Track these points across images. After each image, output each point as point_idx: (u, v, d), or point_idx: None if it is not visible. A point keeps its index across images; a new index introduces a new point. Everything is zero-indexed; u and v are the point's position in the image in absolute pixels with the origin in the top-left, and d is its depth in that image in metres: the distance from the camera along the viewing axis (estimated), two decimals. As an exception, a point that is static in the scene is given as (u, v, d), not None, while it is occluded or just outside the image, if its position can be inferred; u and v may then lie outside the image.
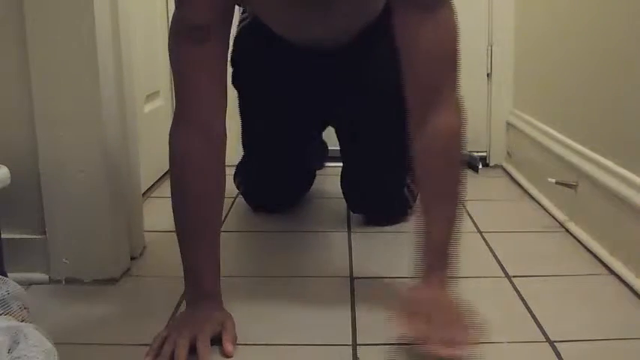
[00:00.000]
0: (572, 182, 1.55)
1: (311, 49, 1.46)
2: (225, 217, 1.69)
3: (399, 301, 1.05)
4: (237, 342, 1.06)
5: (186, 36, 1.05)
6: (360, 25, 1.42)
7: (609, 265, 1.33)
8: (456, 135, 1.07)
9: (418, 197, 1.16)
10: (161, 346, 1.00)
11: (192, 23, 1.04)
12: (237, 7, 1.50)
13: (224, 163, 1.11)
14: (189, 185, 1.08)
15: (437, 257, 1.07)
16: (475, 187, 1.88)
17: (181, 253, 1.10)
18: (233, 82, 1.60)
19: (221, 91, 1.09)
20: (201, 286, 1.09)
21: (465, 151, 1.10)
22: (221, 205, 1.13)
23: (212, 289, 1.10)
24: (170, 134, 1.09)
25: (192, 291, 1.10)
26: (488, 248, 1.45)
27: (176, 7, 1.07)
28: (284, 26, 1.39)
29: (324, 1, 1.22)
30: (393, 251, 1.47)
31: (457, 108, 1.08)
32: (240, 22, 1.60)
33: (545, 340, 1.05)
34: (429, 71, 1.05)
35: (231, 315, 1.08)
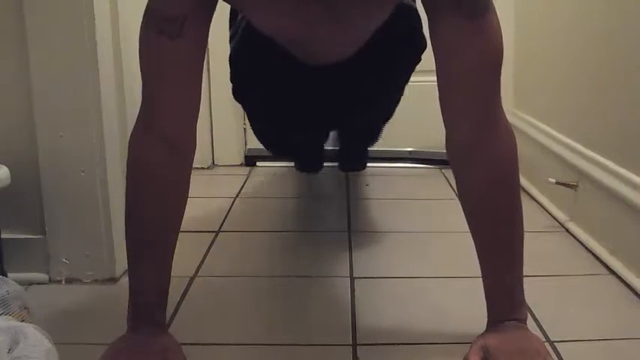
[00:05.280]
0: (572, 182, 1.55)
1: (313, 63, 1.33)
2: (225, 217, 1.69)
3: (481, 351, 0.98)
4: (237, 342, 1.06)
5: (157, 29, 0.92)
6: (367, 37, 1.27)
7: (609, 265, 1.33)
8: (515, 159, 0.99)
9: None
10: None
11: (165, 14, 0.91)
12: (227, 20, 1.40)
13: (188, 178, 1.01)
14: (144, 203, 0.98)
15: (514, 297, 1.01)
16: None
17: (128, 269, 1.02)
18: (234, 97, 1.50)
19: (192, 95, 0.97)
20: (145, 310, 1.00)
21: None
22: (178, 225, 1.01)
23: (157, 313, 1.01)
24: (130, 141, 0.99)
25: (135, 314, 1.00)
26: (488, 248, 1.45)
27: None
28: (289, 41, 1.25)
29: (331, 15, 1.06)
30: (393, 251, 1.47)
31: (509, 127, 0.99)
32: (231, 37, 1.44)
33: (545, 340, 1.05)
34: (481, 87, 0.95)
35: (176, 343, 1.01)
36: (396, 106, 1.58)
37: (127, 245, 1.01)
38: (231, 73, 1.43)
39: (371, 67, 1.38)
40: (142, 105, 0.98)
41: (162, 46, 0.92)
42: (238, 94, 1.46)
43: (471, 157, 0.98)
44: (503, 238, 1.01)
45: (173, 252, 1.02)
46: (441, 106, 0.98)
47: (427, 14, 0.97)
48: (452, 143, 0.99)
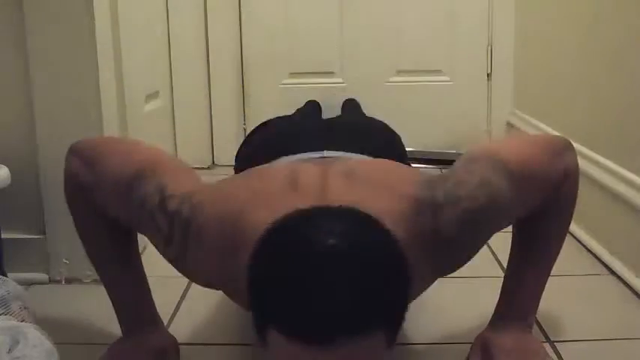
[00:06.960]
0: (572, 182, 1.55)
1: None
2: (225, 217, 1.69)
3: (481, 351, 0.99)
4: (237, 342, 1.06)
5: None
6: None
7: (609, 265, 1.33)
8: (574, 198, 0.99)
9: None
10: None
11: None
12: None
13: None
14: (86, 212, 0.97)
15: (528, 304, 1.02)
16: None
17: (103, 283, 1.01)
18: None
19: None
20: (134, 312, 1.00)
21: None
22: (134, 235, 1.01)
23: (148, 312, 1.01)
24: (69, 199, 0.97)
25: (126, 320, 1.00)
26: (488, 248, 1.45)
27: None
28: None
29: None
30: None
31: (575, 176, 0.98)
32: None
33: (545, 340, 1.05)
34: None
35: (174, 339, 1.01)
36: None
37: (91, 260, 1.01)
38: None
39: None
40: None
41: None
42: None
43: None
44: (542, 253, 1.01)
45: (137, 251, 1.01)
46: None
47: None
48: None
